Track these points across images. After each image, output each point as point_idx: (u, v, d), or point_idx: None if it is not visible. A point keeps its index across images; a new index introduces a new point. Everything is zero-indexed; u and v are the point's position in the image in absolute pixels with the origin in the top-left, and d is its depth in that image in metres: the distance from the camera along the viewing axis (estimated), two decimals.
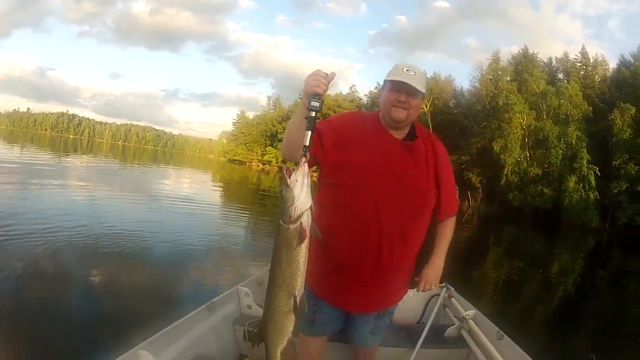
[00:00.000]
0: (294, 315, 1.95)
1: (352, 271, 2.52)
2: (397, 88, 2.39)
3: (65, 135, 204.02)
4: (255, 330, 2.22)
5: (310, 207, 1.86)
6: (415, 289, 2.81)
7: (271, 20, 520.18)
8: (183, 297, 6.89)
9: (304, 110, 2.10)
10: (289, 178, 1.85)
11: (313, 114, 2.03)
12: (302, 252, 1.87)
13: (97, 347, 4.38)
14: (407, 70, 2.38)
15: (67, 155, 47.19)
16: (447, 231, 2.79)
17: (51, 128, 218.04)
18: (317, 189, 2.48)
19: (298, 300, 1.92)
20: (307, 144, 2.00)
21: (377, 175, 2.43)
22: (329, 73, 2.08)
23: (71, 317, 5.68)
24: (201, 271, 8.58)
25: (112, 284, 7.20)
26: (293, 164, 2.07)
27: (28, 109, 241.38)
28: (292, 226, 1.84)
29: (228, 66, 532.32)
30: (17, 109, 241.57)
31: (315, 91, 2.02)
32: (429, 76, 63.19)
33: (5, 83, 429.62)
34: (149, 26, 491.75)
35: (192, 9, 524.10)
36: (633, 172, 38.01)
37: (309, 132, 2.02)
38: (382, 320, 2.85)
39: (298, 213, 1.83)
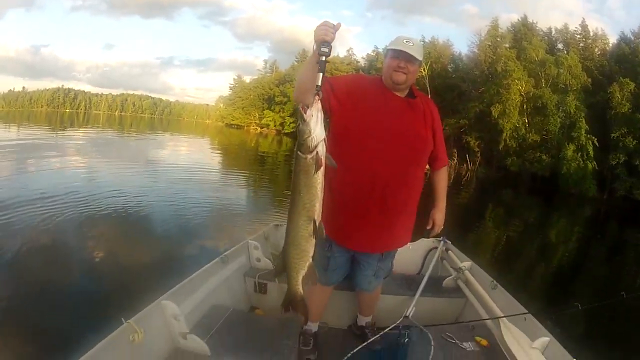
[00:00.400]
0: (313, 239, 2.15)
1: (362, 211, 2.81)
2: (398, 55, 2.76)
3: (61, 110, 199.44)
4: (277, 261, 2.42)
5: (324, 139, 2.06)
6: (420, 239, 3.10)
7: None
8: (194, 254, 7.15)
9: (314, 57, 2.30)
10: (305, 114, 2.04)
11: (323, 58, 2.24)
12: (319, 179, 2.07)
13: (120, 301, 4.58)
14: (406, 41, 2.77)
15: (64, 129, 46.63)
16: (443, 179, 3.27)
17: (47, 104, 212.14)
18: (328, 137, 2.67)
19: (317, 224, 2.11)
20: (319, 84, 2.20)
21: (384, 125, 2.74)
22: (335, 23, 2.29)
23: (95, 278, 6.03)
24: (209, 230, 8.81)
25: (127, 245, 7.45)
26: None
27: (23, 87, 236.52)
28: (309, 156, 2.03)
29: (223, 31, 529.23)
30: (12, 89, 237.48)
31: (324, 39, 2.23)
32: (427, 40, 63.15)
33: (0, 65, 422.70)
34: None
35: None
36: (631, 145, 37.65)
37: (320, 74, 2.22)
38: (385, 263, 3.19)
39: (314, 143, 2.02)
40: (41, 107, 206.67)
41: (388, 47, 2.88)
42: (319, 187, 2.08)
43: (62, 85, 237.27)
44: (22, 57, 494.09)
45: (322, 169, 2.07)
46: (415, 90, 2.98)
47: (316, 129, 2.02)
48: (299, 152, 2.05)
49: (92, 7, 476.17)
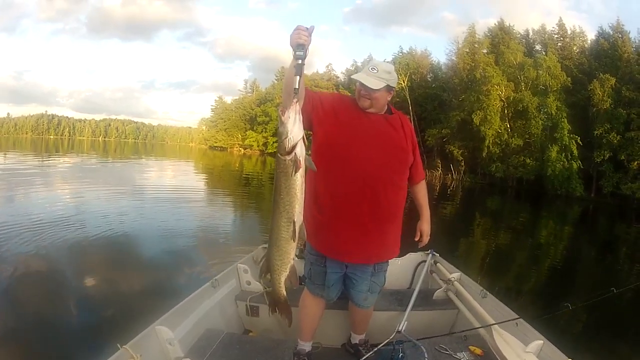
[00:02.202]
0: (294, 242, 2.17)
1: (353, 220, 2.88)
2: (360, 84, 2.91)
3: (46, 136, 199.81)
4: (261, 263, 2.45)
5: (303, 138, 2.09)
6: (407, 254, 3.10)
7: (244, 3, 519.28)
8: (183, 277, 7.14)
9: (293, 61, 2.36)
10: (283, 116, 2.07)
11: (299, 61, 2.31)
12: (298, 181, 2.10)
13: (113, 326, 4.56)
14: (371, 68, 2.92)
15: (49, 156, 46.22)
16: (424, 191, 3.40)
17: (32, 131, 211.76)
18: (312, 151, 2.90)
19: (297, 226, 2.14)
20: (297, 87, 2.28)
21: (367, 136, 2.87)
22: (308, 27, 2.36)
23: (86, 303, 5.92)
24: (197, 253, 8.76)
25: (116, 270, 7.40)
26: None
27: (8, 114, 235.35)
28: (287, 157, 2.06)
29: (203, 52, 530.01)
30: None
31: (298, 42, 2.31)
32: (405, 51, 64.24)
33: None
34: (122, 18, 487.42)
35: None
36: (615, 141, 38.16)
37: (297, 77, 2.30)
38: (378, 277, 3.20)
39: (292, 144, 2.05)
40: (26, 133, 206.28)
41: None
42: (298, 188, 2.11)
43: (46, 111, 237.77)
44: (6, 83, 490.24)
45: (302, 170, 2.10)
46: (392, 108, 3.14)
47: (293, 129, 2.05)
48: (278, 154, 2.09)
49: (73, 31, 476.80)
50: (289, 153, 2.05)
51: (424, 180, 3.40)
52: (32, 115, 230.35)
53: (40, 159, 38.92)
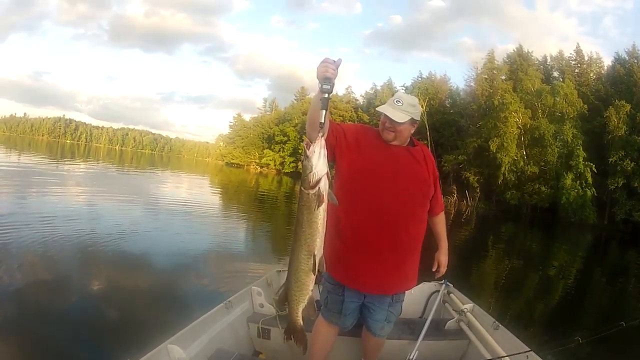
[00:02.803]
0: (313, 275, 2.20)
1: (373, 250, 2.88)
2: (385, 117, 2.92)
3: (62, 140, 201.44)
4: (278, 294, 2.47)
5: (327, 174, 2.11)
6: (421, 282, 3.11)
7: (266, 21, 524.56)
8: (196, 294, 7.06)
9: (319, 94, 2.34)
10: (309, 150, 2.11)
11: (326, 95, 2.29)
12: (321, 215, 2.12)
13: (122, 341, 4.56)
14: (396, 101, 2.94)
15: (65, 160, 46.53)
16: (442, 223, 3.40)
17: (48, 133, 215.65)
18: (335, 182, 2.90)
19: (317, 260, 2.16)
20: (322, 121, 2.27)
21: (389, 168, 2.89)
22: (336, 60, 2.34)
23: (92, 315, 5.80)
24: (211, 271, 8.67)
25: (125, 282, 7.30)
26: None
27: (25, 114, 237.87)
28: (311, 191, 2.09)
29: (223, 67, 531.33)
30: (14, 114, 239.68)
31: (325, 75, 2.28)
32: (424, 76, 64.25)
33: (1, 88, 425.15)
34: (144, 28, 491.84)
35: (187, 11, 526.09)
36: (629, 168, 38.13)
37: (324, 111, 2.29)
38: (395, 308, 3.21)
39: (316, 179, 2.08)
40: (42, 135, 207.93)
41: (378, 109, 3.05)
42: (320, 222, 2.12)
43: (64, 115, 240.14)
44: (24, 82, 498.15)
45: (324, 204, 2.11)
46: (414, 140, 3.15)
47: (318, 164, 2.07)
48: (302, 188, 2.11)
49: (94, 37, 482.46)
50: (313, 187, 2.07)
51: (443, 212, 3.40)
52: (49, 118, 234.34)
53: (56, 162, 39.36)
